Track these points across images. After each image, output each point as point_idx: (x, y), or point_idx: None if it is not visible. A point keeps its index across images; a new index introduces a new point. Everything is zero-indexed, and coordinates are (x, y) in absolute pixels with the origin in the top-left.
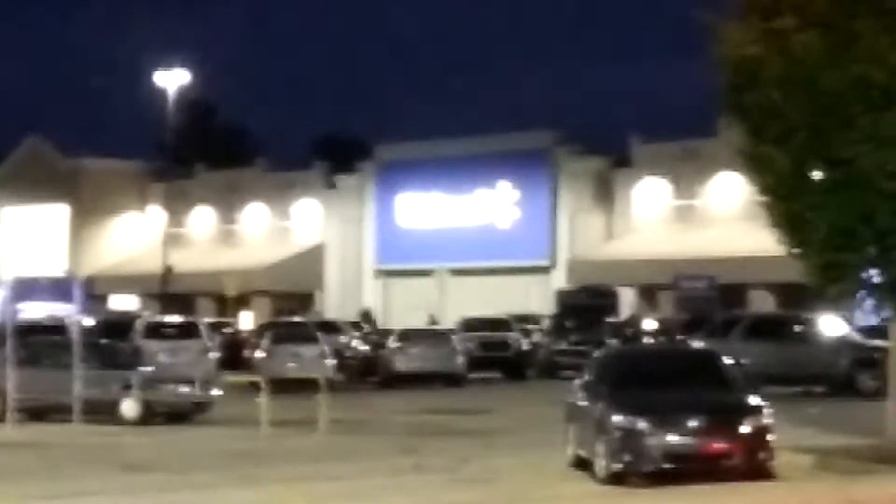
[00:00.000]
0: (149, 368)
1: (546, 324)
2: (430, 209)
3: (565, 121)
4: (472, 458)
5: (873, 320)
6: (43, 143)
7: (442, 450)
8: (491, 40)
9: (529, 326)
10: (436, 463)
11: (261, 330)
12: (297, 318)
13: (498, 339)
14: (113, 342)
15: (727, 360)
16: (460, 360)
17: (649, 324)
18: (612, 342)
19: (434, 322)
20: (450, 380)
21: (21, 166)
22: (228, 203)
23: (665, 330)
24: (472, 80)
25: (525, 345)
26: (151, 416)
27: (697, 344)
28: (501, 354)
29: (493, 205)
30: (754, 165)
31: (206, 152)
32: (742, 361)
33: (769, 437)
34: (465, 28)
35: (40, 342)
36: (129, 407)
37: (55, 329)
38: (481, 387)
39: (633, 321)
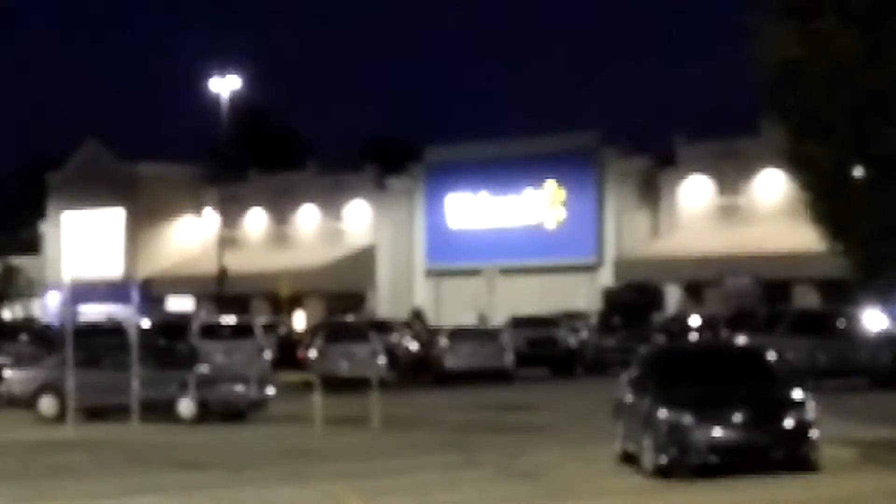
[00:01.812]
0: (204, 368)
1: (593, 321)
2: (478, 209)
3: (610, 121)
4: (522, 454)
5: None
6: (101, 149)
7: (492, 445)
8: (535, 40)
9: (577, 324)
10: (486, 458)
11: (314, 330)
12: (349, 318)
13: (546, 337)
14: (169, 343)
15: (771, 356)
16: (509, 357)
17: (694, 320)
18: (658, 339)
19: (484, 320)
20: (499, 377)
21: (80, 171)
22: (281, 205)
23: (710, 326)
24: (518, 80)
25: (573, 342)
26: (207, 415)
27: (742, 339)
28: (549, 352)
29: (541, 205)
30: (796, 164)
31: (258, 156)
32: (786, 356)
33: (813, 431)
34: (510, 28)
35: (99, 344)
36: (185, 406)
37: (113, 331)
38: (530, 383)
39: (679, 318)
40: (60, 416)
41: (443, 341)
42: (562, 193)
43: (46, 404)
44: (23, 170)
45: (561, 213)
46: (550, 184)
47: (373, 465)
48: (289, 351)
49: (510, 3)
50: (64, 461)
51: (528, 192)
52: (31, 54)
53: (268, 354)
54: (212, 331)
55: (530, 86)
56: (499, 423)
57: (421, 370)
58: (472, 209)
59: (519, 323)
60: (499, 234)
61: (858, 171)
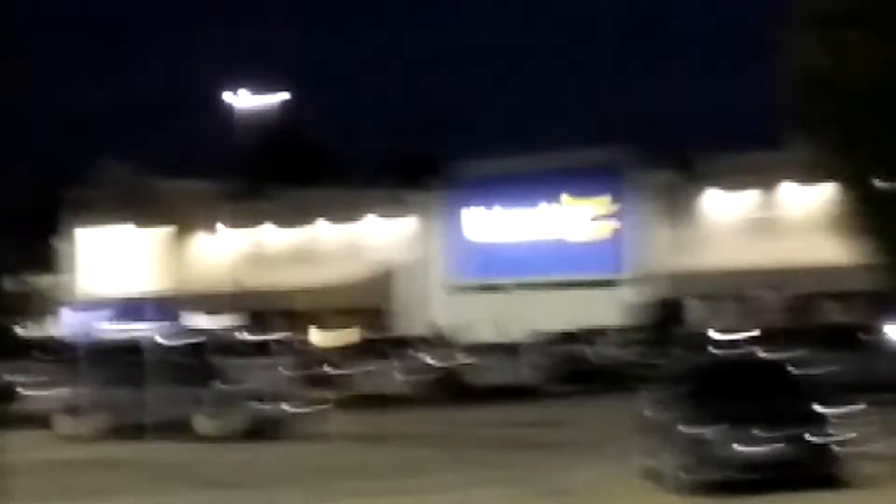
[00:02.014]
0: (224, 386)
1: (617, 336)
2: (499, 224)
3: (634, 135)
4: (547, 471)
5: None
6: (121, 165)
7: (516, 462)
8: (557, 55)
9: (600, 339)
10: (515, 476)
11: (334, 346)
12: (369, 334)
13: (569, 352)
14: (188, 359)
15: (798, 370)
16: (532, 373)
17: (720, 335)
18: (683, 354)
19: (500, 331)
20: (522, 393)
21: (100, 188)
22: (301, 221)
23: (735, 341)
24: (542, 94)
25: (597, 357)
26: (227, 432)
27: (767, 354)
28: (573, 367)
29: (563, 219)
30: (822, 176)
31: (284, 171)
32: (812, 371)
33: (842, 446)
34: (532, 42)
35: (117, 361)
36: (204, 424)
37: (133, 348)
38: (554, 399)
39: (704, 332)
40: (79, 435)
41: (464, 357)
42: (591, 207)
43: (67, 422)
44: (39, 185)
45: (591, 228)
46: (573, 199)
47: (395, 483)
48: (309, 368)
49: (531, 17)
50: (82, 480)
51: (550, 207)
52: (52, 68)
53: (288, 371)
54: (231, 347)
55: (553, 99)
56: (523, 440)
57: (442, 387)
58: (493, 224)
59: (542, 338)
60: (520, 249)
61: (883, 183)
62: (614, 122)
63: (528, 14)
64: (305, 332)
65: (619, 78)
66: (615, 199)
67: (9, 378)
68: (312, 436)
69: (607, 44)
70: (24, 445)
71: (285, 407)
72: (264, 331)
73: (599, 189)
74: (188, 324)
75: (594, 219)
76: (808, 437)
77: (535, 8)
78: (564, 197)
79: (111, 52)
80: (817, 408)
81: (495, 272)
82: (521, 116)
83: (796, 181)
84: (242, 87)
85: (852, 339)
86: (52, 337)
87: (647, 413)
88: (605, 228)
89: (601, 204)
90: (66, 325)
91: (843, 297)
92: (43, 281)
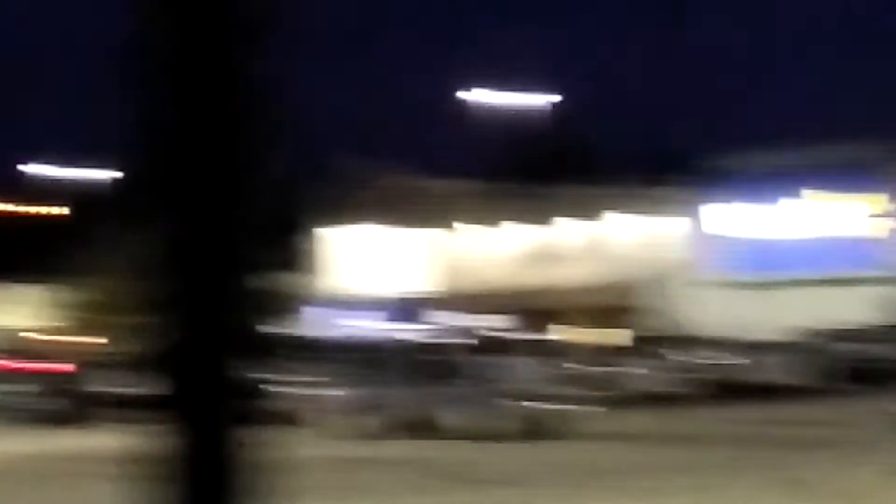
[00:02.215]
0: (492, 384)
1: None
2: (761, 219)
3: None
4: (827, 472)
5: None
6: (374, 164)
7: (795, 463)
8: (813, 46)
9: (876, 336)
10: (790, 476)
11: (600, 345)
12: (636, 333)
13: (848, 350)
14: (475, 358)
15: None
16: (809, 370)
17: None
18: None
19: (768, 329)
20: (800, 391)
21: (350, 186)
22: (554, 218)
23: None
24: (797, 86)
25: (874, 355)
26: (497, 431)
27: None
28: (851, 365)
29: (829, 215)
30: None
31: (540, 170)
32: None
33: None
34: (787, 36)
35: (374, 360)
36: (488, 421)
37: (391, 347)
38: (827, 398)
39: None
40: (375, 433)
41: (737, 355)
42: (868, 204)
43: (361, 421)
44: (287, 182)
45: (866, 225)
46: (832, 195)
47: (681, 480)
48: (577, 366)
49: (786, 13)
50: (358, 478)
51: (816, 202)
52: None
53: (556, 370)
54: (499, 346)
55: (806, 92)
56: (803, 439)
57: (715, 385)
58: (754, 219)
59: (821, 335)
60: (783, 245)
61: None
62: (879, 117)
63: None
64: (567, 330)
65: (869, 64)
66: (880, 195)
67: (257, 375)
68: (583, 435)
69: (858, 32)
70: (285, 443)
71: (554, 406)
72: (529, 329)
73: (863, 183)
74: (447, 322)
75: (871, 216)
76: None
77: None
78: (829, 191)
79: (366, 52)
80: None
81: (760, 268)
82: (784, 109)
83: None
84: (499, 86)
85: None
86: (300, 335)
87: None
88: (882, 226)
89: (878, 201)
90: (314, 323)
91: None
92: (288, 279)
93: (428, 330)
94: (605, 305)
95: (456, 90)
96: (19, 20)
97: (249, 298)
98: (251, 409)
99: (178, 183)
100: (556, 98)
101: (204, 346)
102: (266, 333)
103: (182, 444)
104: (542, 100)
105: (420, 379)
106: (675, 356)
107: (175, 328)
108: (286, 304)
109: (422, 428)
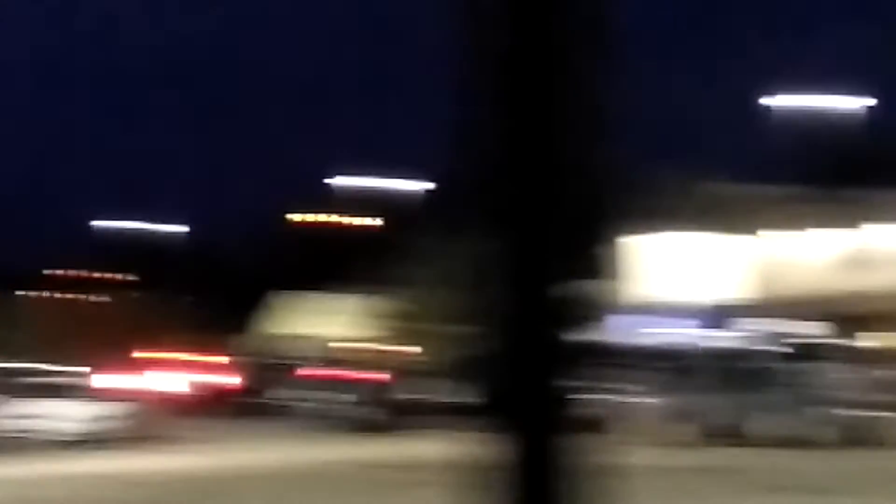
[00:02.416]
0: (823, 391)
1: None
2: None
3: None
4: None
5: None
6: (697, 171)
7: None
8: None
9: None
10: None
11: None
12: None
13: None
14: (787, 365)
15: None
16: None
17: None
18: None
19: None
20: None
21: (655, 193)
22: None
23: None
24: None
25: None
26: (827, 438)
27: None
28: None
29: None
30: None
31: (855, 174)
32: None
33: None
34: None
35: (720, 367)
36: (800, 429)
37: (739, 354)
38: None
39: None
40: (691, 441)
41: None
42: None
43: (676, 429)
44: (590, 190)
45: None
46: None
47: None
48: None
49: None
50: (679, 485)
51: None
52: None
53: (873, 377)
54: (819, 353)
55: None
56: None
57: None
58: None
59: None
60: None
61: None
62: None
63: None
64: (878, 336)
65: None
66: None
67: (575, 383)
68: None
69: None
70: (605, 450)
71: (868, 413)
72: (839, 336)
73: None
74: (758, 329)
75: None
76: None
77: None
78: None
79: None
80: None
81: None
82: None
83: None
84: (804, 90)
85: None
86: (612, 343)
87: None
88: None
89: None
90: (623, 331)
91: None
92: (591, 286)
93: (739, 337)
94: None
95: (759, 95)
96: (333, 34)
97: (565, 306)
98: (573, 416)
99: (503, 192)
100: (871, 101)
101: (527, 354)
102: (580, 342)
103: (510, 451)
104: (855, 103)
105: (732, 386)
106: None
107: (495, 337)
108: (596, 312)
109: (732, 435)
